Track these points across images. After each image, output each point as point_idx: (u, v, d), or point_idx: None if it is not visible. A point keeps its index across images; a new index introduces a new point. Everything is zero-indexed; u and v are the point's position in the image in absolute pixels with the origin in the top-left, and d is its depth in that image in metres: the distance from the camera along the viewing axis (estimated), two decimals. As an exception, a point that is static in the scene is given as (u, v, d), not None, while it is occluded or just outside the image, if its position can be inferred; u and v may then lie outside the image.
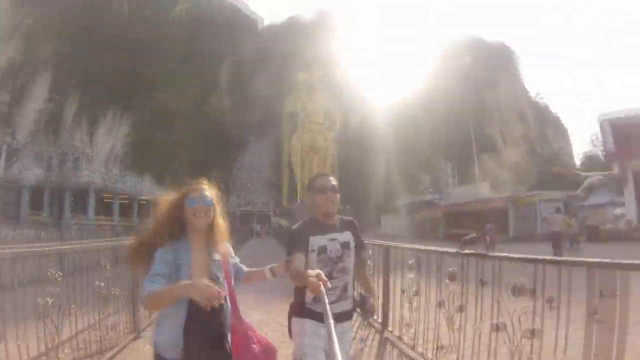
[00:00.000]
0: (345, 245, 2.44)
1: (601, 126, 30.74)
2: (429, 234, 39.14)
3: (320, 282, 1.66)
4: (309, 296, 2.29)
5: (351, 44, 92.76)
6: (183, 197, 2.01)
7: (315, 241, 2.33)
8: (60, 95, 57.91)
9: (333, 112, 54.91)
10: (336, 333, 1.52)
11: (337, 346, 1.00)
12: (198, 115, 67.34)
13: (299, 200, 49.99)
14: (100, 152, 53.09)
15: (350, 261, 2.45)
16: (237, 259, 2.34)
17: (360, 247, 2.59)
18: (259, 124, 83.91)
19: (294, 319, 2.39)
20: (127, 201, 40.88)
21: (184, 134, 60.74)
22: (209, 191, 2.09)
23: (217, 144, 69.84)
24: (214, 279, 1.92)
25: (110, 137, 54.51)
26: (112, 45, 62.42)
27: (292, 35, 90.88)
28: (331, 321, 1.18)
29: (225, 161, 69.03)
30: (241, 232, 32.50)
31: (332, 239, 2.39)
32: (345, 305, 2.41)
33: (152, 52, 65.78)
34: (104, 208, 37.92)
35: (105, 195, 36.39)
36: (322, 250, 2.35)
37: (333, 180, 2.52)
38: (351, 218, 2.70)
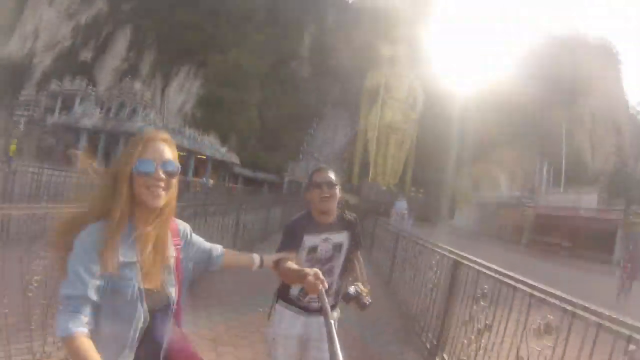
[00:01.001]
0: (336, 248, 2.33)
1: None
2: (510, 236, 34.77)
3: (319, 282, 1.56)
4: (294, 290, 2.13)
5: (441, 26, 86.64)
6: (133, 157, 1.25)
7: (308, 240, 2.24)
8: (136, 52, 58.62)
9: (416, 91, 51.09)
10: (315, 325, 2.22)
11: (337, 346, 0.99)
12: (273, 79, 65.40)
13: (369, 179, 47.30)
14: (172, 106, 53.11)
15: (338, 264, 2.35)
16: (205, 244, 1.75)
17: (356, 247, 2.45)
18: (338, 96, 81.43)
19: (277, 306, 2.30)
20: (183, 154, 39.67)
21: (255, 95, 58.26)
22: (172, 149, 1.38)
23: (291, 109, 67.90)
24: (163, 285, 1.36)
25: (182, 93, 54.34)
26: (191, 3, 61.58)
27: (378, 9, 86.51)
28: (331, 321, 1.14)
29: (298, 128, 67.08)
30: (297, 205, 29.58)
31: (326, 239, 2.29)
32: (330, 301, 2.10)
33: (232, 12, 64.13)
34: None
35: None
36: (313, 250, 2.26)
37: (332, 175, 2.30)
38: (354, 217, 2.52)
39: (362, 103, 51.56)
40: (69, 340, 1.07)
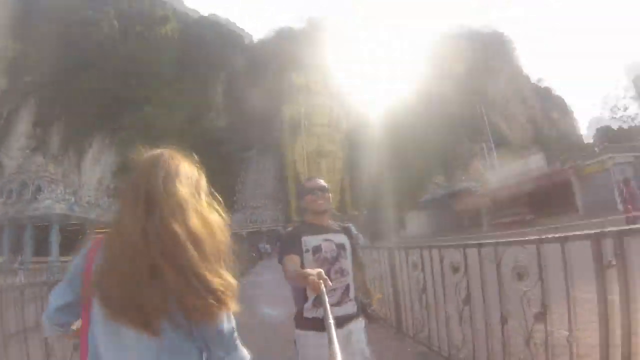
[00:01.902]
0: (340, 247, 2.26)
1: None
2: (470, 225, 33.00)
3: (321, 281, 1.51)
4: (309, 301, 2.10)
5: (343, 49, 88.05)
6: None
7: (308, 241, 2.17)
8: (44, 127, 52.82)
9: (337, 113, 49.84)
10: (340, 337, 1.68)
11: (337, 346, 0.97)
12: (192, 134, 61.56)
13: (310, 212, 44.23)
14: (90, 180, 47.83)
15: (347, 263, 2.26)
16: None
17: (355, 251, 2.38)
18: (259, 139, 79.44)
19: (297, 332, 2.19)
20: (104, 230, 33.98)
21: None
22: None
23: (216, 162, 64.41)
24: None
25: (99, 164, 49.10)
26: (98, 66, 56.53)
27: (283, 46, 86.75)
28: (331, 321, 1.11)
29: (227, 179, 63.50)
30: (248, 254, 26.08)
31: (327, 240, 2.22)
32: (348, 309, 2.21)
33: (139, 71, 60.07)
34: (73, 243, 30.97)
35: (70, 225, 27.51)
36: (317, 249, 2.18)
37: (321, 182, 2.32)
38: (348, 224, 2.53)
39: (284, 137, 49.19)
40: None
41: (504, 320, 2.69)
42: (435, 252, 3.70)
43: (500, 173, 33.17)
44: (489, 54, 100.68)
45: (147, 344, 1.04)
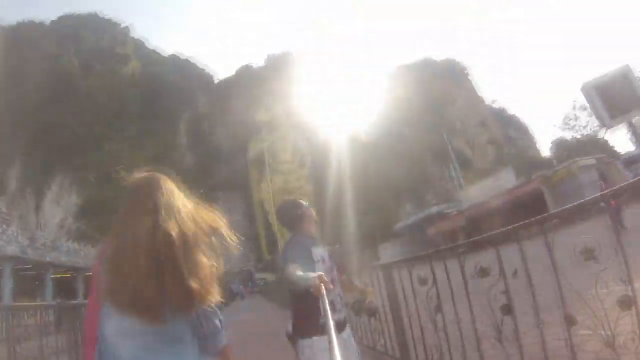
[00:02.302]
0: (330, 258, 2.42)
1: (587, 95, 28.51)
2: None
3: (322, 283, 1.60)
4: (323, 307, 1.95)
5: (304, 84, 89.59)
6: None
7: (316, 252, 2.28)
8: (1, 164, 50.09)
9: (302, 149, 49.92)
10: (339, 340, 1.86)
11: (336, 347, 1.01)
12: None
13: (280, 250, 43.28)
14: (50, 222, 45.40)
15: (335, 274, 2.38)
16: None
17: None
18: (226, 178, 78.55)
19: (314, 339, 2.13)
20: (68, 275, 30.47)
21: None
22: None
23: (182, 202, 62.88)
24: None
25: (60, 205, 46.59)
26: (58, 102, 54.23)
27: (245, 84, 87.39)
28: (331, 322, 1.16)
29: (194, 222, 61.91)
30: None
31: (325, 250, 2.37)
32: (342, 316, 2.30)
33: (103, 108, 58.29)
34: (31, 286, 28.68)
35: (24, 269, 25.11)
36: (323, 261, 2.29)
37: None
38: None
39: (251, 175, 48.74)
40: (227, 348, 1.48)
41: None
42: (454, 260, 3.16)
43: (471, 192, 33.26)
44: (445, 81, 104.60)
45: (152, 332, 1.22)
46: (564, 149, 51.13)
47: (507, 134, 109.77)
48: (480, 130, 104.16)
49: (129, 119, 62.40)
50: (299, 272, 1.97)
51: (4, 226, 25.44)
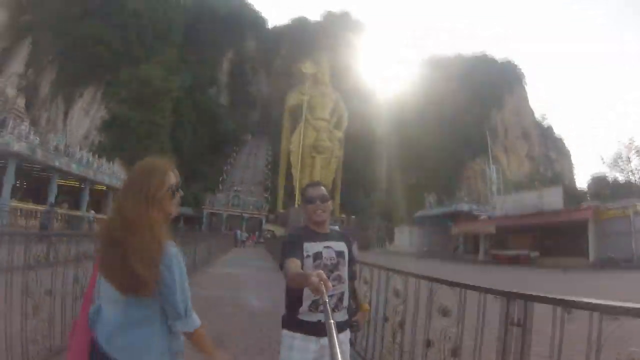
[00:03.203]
0: (340, 255, 2.24)
1: None
2: (464, 254, 30.29)
3: (322, 282, 1.50)
4: (305, 303, 2.08)
5: (356, 48, 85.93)
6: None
7: (310, 247, 2.13)
8: (35, 70, 48.94)
9: (341, 109, 47.22)
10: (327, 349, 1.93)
11: (337, 347, 0.99)
12: (189, 104, 57.97)
13: (296, 206, 41.69)
14: (76, 132, 44.32)
15: (345, 271, 2.25)
16: None
17: (352, 261, 2.37)
18: (258, 123, 76.86)
19: (285, 332, 2.16)
20: (75, 185, 29.19)
21: (168, 118, 48.79)
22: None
23: (209, 137, 61.41)
24: None
25: (87, 116, 45.41)
26: (100, 15, 51.96)
27: (297, 35, 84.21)
28: (331, 321, 1.16)
29: (217, 157, 60.62)
30: (222, 240, 23.38)
31: (327, 247, 2.19)
32: (341, 316, 2.20)
33: (144, 29, 55.91)
34: (35, 190, 27.40)
35: (26, 167, 23.82)
36: (318, 256, 2.15)
37: (323, 190, 2.28)
38: (347, 232, 2.52)
39: (283, 124, 46.45)
40: (198, 332, 1.46)
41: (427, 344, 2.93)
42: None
43: (509, 201, 30.38)
44: (498, 81, 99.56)
45: (123, 300, 1.34)
46: (602, 186, 47.82)
47: (547, 154, 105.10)
48: (522, 142, 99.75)
49: (171, 43, 59.90)
50: (297, 268, 1.90)
51: (18, 121, 23.80)
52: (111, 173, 32.37)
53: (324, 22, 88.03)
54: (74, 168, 26.16)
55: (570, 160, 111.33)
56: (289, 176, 43.48)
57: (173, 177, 1.58)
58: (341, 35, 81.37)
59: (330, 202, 2.24)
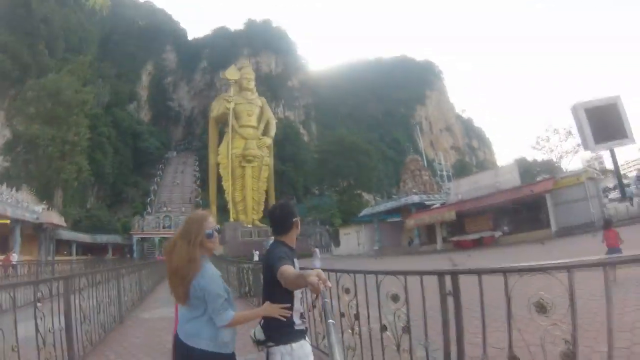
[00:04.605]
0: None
1: (576, 115, 27.55)
2: (420, 246, 29.33)
3: (321, 281, 1.59)
4: (296, 315, 2.10)
5: (279, 54, 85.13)
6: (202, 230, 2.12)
7: (296, 264, 2.18)
8: None
9: (268, 115, 45.41)
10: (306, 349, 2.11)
11: (336, 345, 1.00)
12: (107, 122, 52.53)
13: (231, 220, 39.20)
14: None
15: None
16: None
17: None
18: (183, 139, 73.04)
19: (293, 345, 2.08)
20: None
21: (84, 136, 41.85)
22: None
23: (131, 157, 56.67)
24: None
25: None
26: (4, 20, 44.98)
27: (219, 46, 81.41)
28: (331, 321, 1.19)
29: (142, 178, 56.17)
30: (155, 267, 20.13)
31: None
32: (306, 326, 2.24)
33: (56, 38, 49.76)
34: None
35: None
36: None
37: None
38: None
39: (209, 136, 43.80)
40: (235, 319, 1.99)
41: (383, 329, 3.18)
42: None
43: (464, 184, 29.26)
44: (419, 80, 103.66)
45: (184, 306, 2.03)
46: (528, 166, 50.65)
47: (470, 144, 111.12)
48: (446, 134, 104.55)
49: (84, 56, 54.37)
50: (296, 270, 1.95)
51: None
52: (15, 203, 27.96)
53: (246, 30, 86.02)
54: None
55: (491, 148, 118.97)
56: (220, 190, 40.90)
57: (211, 223, 2.08)
58: (263, 43, 79.84)
59: None
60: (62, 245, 37.79)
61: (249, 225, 37.11)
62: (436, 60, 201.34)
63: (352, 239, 37.42)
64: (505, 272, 2.21)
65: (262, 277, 2.28)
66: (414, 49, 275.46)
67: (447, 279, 2.54)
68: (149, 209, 48.50)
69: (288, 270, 1.91)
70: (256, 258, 31.82)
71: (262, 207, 39.28)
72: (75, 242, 40.22)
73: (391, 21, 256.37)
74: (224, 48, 77.58)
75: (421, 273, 2.72)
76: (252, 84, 44.16)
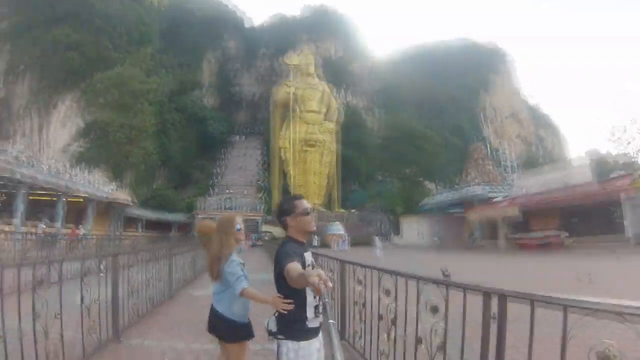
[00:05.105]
0: (314, 263, 2.36)
1: None
2: (481, 242, 27.83)
3: (322, 282, 1.57)
4: (310, 310, 2.09)
5: (339, 40, 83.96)
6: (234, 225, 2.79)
7: (307, 257, 2.20)
8: (12, 79, 45.63)
9: (331, 100, 44.82)
10: (318, 344, 2.12)
11: (338, 347, 1.00)
12: (173, 108, 55.09)
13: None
14: (55, 144, 41.39)
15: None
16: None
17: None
18: (246, 123, 74.57)
19: (301, 344, 2.07)
20: (47, 197, 26.52)
21: (150, 121, 45.43)
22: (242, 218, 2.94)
23: (197, 141, 58.90)
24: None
25: (65, 127, 42.39)
26: (70, 18, 48.26)
27: (277, 33, 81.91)
28: (332, 321, 1.18)
29: (206, 161, 58.11)
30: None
31: (311, 255, 2.32)
32: (320, 321, 2.22)
33: (121, 33, 52.63)
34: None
35: None
36: (312, 266, 2.25)
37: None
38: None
39: (272, 121, 44.02)
40: (246, 291, 2.52)
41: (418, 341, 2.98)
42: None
43: (531, 179, 27.35)
44: (488, 68, 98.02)
45: (216, 282, 2.69)
46: (598, 163, 45.62)
47: (537, 133, 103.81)
48: (512, 122, 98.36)
49: (148, 49, 56.61)
50: (300, 269, 1.92)
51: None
52: (88, 183, 29.81)
53: (302, 16, 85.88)
54: (40, 180, 23.49)
55: (561, 137, 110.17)
56: (282, 174, 41.11)
57: (238, 222, 2.78)
58: (321, 28, 79.23)
59: None
60: (131, 222, 40.60)
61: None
62: (501, 43, 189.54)
63: (413, 229, 36.12)
64: (566, 306, 1.69)
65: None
66: (477, 31, 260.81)
67: (494, 301, 2.22)
68: (212, 191, 49.95)
69: (292, 268, 1.91)
70: (315, 243, 31.77)
71: (324, 192, 38.91)
72: (143, 219, 42.61)
73: (455, 2, 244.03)
74: (282, 34, 78.02)
75: (465, 287, 2.44)
76: (312, 69, 43.73)
